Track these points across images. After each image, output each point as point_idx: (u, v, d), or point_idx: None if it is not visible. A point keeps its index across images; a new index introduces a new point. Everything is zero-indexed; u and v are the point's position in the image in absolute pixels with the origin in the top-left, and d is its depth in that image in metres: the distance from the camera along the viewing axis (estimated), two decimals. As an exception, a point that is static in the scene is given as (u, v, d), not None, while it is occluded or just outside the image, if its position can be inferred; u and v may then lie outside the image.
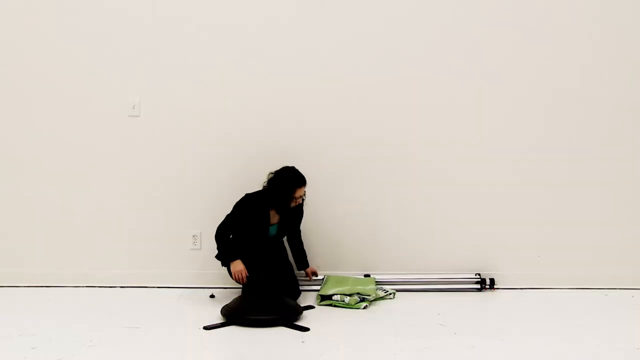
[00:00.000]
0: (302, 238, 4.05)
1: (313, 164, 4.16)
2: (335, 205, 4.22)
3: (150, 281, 4.20)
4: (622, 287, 4.17)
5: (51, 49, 4.21)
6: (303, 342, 3.06)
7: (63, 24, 4.20)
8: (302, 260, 4.01)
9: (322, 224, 4.21)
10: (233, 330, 3.26)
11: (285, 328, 3.26)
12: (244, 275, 3.68)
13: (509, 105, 4.20)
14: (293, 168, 3.78)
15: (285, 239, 4.03)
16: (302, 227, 4.04)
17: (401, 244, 4.22)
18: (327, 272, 4.16)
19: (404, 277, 4.15)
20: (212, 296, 3.96)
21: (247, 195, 3.82)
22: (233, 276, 3.71)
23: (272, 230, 3.87)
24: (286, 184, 3.71)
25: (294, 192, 3.72)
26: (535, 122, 4.20)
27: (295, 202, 3.76)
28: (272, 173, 3.81)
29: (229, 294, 3.88)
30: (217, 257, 3.83)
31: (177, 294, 4.04)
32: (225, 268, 3.82)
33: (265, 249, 3.87)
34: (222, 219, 3.81)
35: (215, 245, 3.82)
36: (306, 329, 3.22)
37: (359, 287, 3.85)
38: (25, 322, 3.35)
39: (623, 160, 4.21)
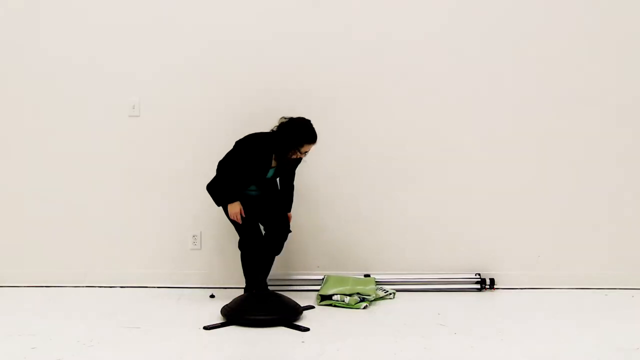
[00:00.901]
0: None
1: (314, 163, 4.15)
2: (336, 205, 4.22)
3: (150, 281, 4.20)
4: (622, 287, 4.17)
5: (51, 49, 4.21)
6: (303, 342, 3.06)
7: (63, 23, 4.20)
8: (287, 203, 3.91)
9: (322, 223, 4.21)
10: (233, 330, 3.26)
11: (285, 328, 3.27)
12: (239, 217, 3.67)
13: (509, 107, 4.20)
14: (309, 122, 3.66)
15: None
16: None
17: (401, 244, 4.22)
18: (327, 272, 4.16)
19: (404, 277, 4.15)
20: (212, 296, 3.96)
21: (252, 135, 3.72)
22: (230, 217, 3.69)
23: (270, 173, 3.81)
24: (297, 135, 3.59)
25: (302, 146, 3.62)
26: (536, 123, 4.20)
27: (299, 155, 3.67)
28: (285, 118, 3.69)
29: (229, 294, 3.88)
30: (213, 195, 3.75)
31: (177, 294, 4.04)
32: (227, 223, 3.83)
33: (261, 190, 3.84)
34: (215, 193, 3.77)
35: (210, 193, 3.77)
36: (306, 329, 3.22)
37: (359, 287, 3.85)
38: (25, 322, 3.35)
39: (623, 161, 4.21)
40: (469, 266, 4.21)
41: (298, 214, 4.19)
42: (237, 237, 4.16)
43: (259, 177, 3.76)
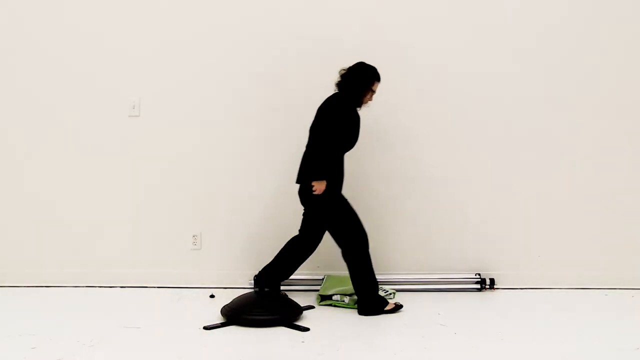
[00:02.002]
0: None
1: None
2: (335, 205, 4.22)
3: (150, 281, 4.20)
4: (622, 287, 4.17)
5: (51, 50, 4.21)
6: (303, 342, 3.06)
7: (63, 24, 4.21)
8: None
9: (322, 224, 4.21)
10: (233, 330, 3.26)
11: (285, 328, 3.27)
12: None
13: (505, 107, 4.20)
14: (366, 63, 3.60)
15: None
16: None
17: (401, 244, 4.22)
18: (327, 272, 4.16)
19: (404, 277, 4.15)
20: (212, 296, 3.96)
21: (337, 97, 3.54)
22: (315, 188, 3.46)
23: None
24: (366, 75, 3.54)
25: (373, 84, 3.58)
26: (534, 123, 4.20)
27: (371, 97, 3.60)
28: (343, 69, 3.61)
29: (229, 294, 3.88)
30: (310, 171, 3.49)
31: (177, 294, 4.04)
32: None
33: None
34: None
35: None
36: (306, 329, 3.22)
37: (359, 287, 3.85)
38: (25, 322, 3.35)
39: (622, 161, 4.21)
40: (469, 266, 4.20)
41: (298, 214, 4.19)
42: (236, 236, 4.18)
43: (352, 144, 3.61)
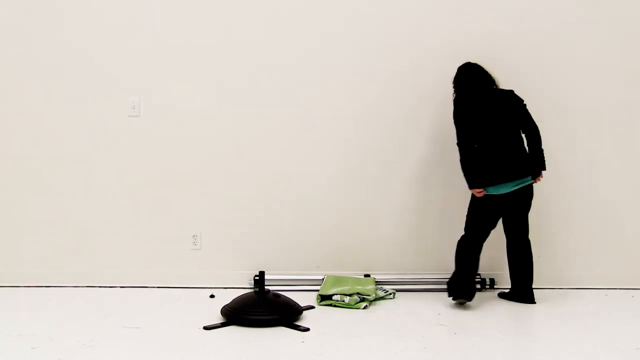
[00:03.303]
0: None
1: (316, 165, 4.17)
2: (336, 205, 4.22)
3: (150, 281, 4.20)
4: (622, 287, 4.17)
5: (51, 50, 4.21)
6: (303, 342, 3.06)
7: (63, 25, 4.21)
8: None
9: (322, 223, 4.21)
10: (233, 330, 3.26)
11: (285, 328, 3.27)
12: None
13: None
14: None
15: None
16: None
17: (401, 244, 4.22)
18: (327, 272, 4.16)
19: (404, 277, 4.16)
20: (212, 296, 3.96)
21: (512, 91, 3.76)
22: (540, 178, 3.75)
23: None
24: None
25: None
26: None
27: None
28: (469, 63, 3.83)
29: (229, 294, 3.88)
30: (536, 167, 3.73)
31: (177, 294, 4.04)
32: None
33: None
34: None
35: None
36: (306, 329, 3.22)
37: (358, 287, 3.86)
38: (25, 322, 3.35)
39: (622, 161, 4.21)
40: (469, 266, 4.20)
41: (298, 214, 4.20)
42: (236, 237, 4.19)
43: None
